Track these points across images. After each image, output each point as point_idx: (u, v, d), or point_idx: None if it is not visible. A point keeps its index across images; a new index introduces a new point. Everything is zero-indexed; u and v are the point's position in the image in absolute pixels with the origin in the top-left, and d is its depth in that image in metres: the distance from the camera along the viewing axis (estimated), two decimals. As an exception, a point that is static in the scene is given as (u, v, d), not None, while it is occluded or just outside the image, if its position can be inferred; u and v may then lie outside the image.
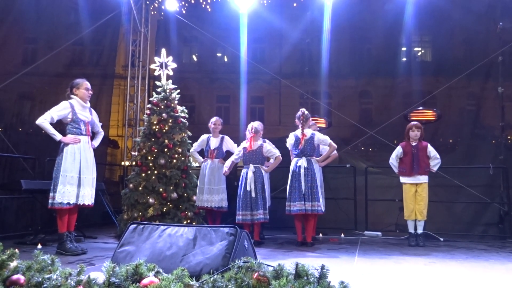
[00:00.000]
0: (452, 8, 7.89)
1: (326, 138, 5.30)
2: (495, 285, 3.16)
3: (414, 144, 5.46)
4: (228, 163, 5.52)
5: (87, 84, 4.63)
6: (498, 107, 6.88)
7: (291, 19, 8.98)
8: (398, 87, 9.04)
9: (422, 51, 11.25)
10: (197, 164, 6.13)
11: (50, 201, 4.31)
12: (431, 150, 5.43)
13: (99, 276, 2.19)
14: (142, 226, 2.79)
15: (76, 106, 4.51)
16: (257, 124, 5.52)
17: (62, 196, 4.26)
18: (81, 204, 4.39)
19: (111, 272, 2.15)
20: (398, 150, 5.56)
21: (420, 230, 5.40)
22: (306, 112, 5.34)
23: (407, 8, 7.91)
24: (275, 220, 5.88)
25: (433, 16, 8.24)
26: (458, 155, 7.42)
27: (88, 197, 4.44)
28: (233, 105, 11.52)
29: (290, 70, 10.30)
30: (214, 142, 5.95)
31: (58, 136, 4.37)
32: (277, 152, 5.36)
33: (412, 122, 5.58)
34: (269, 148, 5.38)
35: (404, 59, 9.56)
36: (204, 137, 6.03)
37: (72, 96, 4.56)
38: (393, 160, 5.55)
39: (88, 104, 4.67)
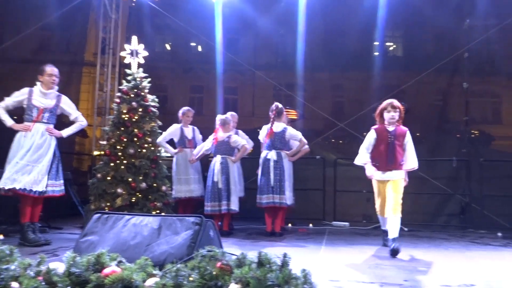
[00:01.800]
0: (423, 4, 8.04)
1: (297, 134, 5.35)
2: (454, 273, 3.30)
3: (391, 129, 4.17)
4: (196, 151, 5.54)
5: (53, 70, 4.49)
6: (463, 102, 7.11)
7: (265, 10, 8.95)
8: (370, 81, 9.18)
9: (394, 46, 11.44)
10: (168, 154, 6.08)
11: None
12: (409, 141, 4.17)
13: (60, 266, 2.16)
14: (106, 215, 2.76)
15: (36, 92, 4.41)
16: (229, 115, 5.53)
17: (5, 182, 4.14)
18: (29, 189, 4.21)
19: (71, 262, 2.12)
20: (371, 135, 4.21)
21: (394, 234, 3.98)
22: (280, 106, 5.39)
23: (381, 2, 8.01)
24: (245, 211, 5.91)
25: (405, 11, 8.38)
26: (424, 148, 7.62)
27: (38, 185, 4.24)
28: (206, 95, 11.43)
29: (264, 61, 10.30)
30: (188, 132, 5.92)
31: (8, 122, 4.32)
32: (242, 142, 5.34)
33: (388, 100, 4.23)
34: (235, 138, 5.37)
35: (377, 53, 9.71)
36: (176, 126, 5.97)
37: (37, 82, 4.47)
38: (364, 149, 4.24)
39: (52, 91, 4.52)
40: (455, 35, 7.72)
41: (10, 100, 4.35)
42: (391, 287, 2.82)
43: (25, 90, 4.41)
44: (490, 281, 2.99)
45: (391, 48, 11.27)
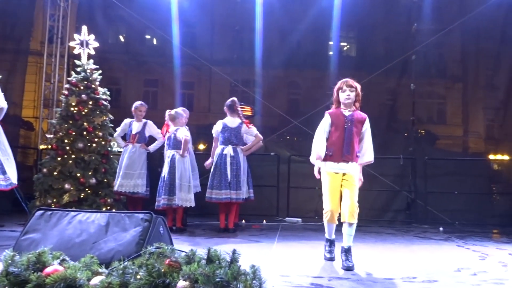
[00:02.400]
0: (375, 7, 8.31)
1: (252, 129, 5.36)
2: (399, 266, 3.45)
3: (348, 113, 3.53)
4: (153, 146, 5.72)
5: None
6: (411, 102, 7.44)
7: (223, 5, 8.90)
8: (325, 79, 9.36)
9: (348, 46, 11.73)
10: (119, 149, 5.92)
11: None
12: (367, 129, 3.58)
13: (-3, 266, 2.05)
14: (50, 212, 2.64)
15: None
16: (180, 110, 5.44)
17: None
18: None
19: (10, 261, 2.02)
20: (325, 121, 3.59)
21: (349, 242, 3.45)
22: (234, 99, 5.38)
23: (336, 3, 8.18)
24: (199, 207, 5.86)
25: (358, 13, 8.62)
26: (374, 145, 7.93)
27: None
28: (161, 89, 11.20)
29: (221, 57, 10.22)
30: (136, 127, 5.75)
31: None
32: (183, 135, 5.16)
33: (343, 80, 3.60)
34: (178, 133, 5.25)
35: (331, 52, 9.92)
36: (126, 121, 5.82)
37: None
38: (321, 138, 3.58)
39: None
40: (404, 38, 8.05)
41: None
42: (339, 281, 2.90)
43: None
44: (430, 273, 3.15)
45: (345, 48, 11.55)
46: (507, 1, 7.30)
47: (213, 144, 5.44)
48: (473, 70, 9.19)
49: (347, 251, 3.42)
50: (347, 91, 3.50)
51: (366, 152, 3.58)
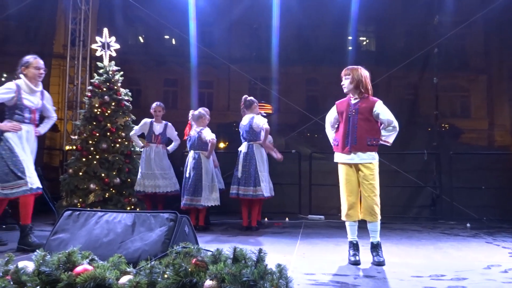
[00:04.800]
0: (394, 0, 8.17)
1: (260, 121, 5.18)
2: (425, 264, 3.38)
3: (354, 101, 3.43)
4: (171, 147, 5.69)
5: (39, 63, 4.04)
6: (433, 96, 7.29)
7: (239, 3, 8.89)
8: (344, 75, 9.26)
9: (367, 40, 11.56)
10: (137, 149, 5.98)
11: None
12: (381, 111, 3.36)
13: (29, 265, 2.10)
14: (78, 212, 2.69)
15: (23, 88, 3.96)
16: (202, 110, 5.47)
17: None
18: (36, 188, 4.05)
19: (41, 261, 2.06)
20: (332, 111, 3.57)
21: (376, 237, 3.41)
22: (249, 98, 5.39)
23: (353, -5, 8.08)
24: (222, 205, 5.89)
25: (377, 7, 8.49)
26: (395, 141, 7.81)
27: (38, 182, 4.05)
28: (181, 89, 11.28)
29: (239, 55, 10.22)
30: (158, 128, 5.83)
31: None
32: (209, 136, 5.19)
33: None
34: (204, 134, 5.26)
35: (350, 47, 9.80)
36: (146, 121, 5.88)
37: (21, 76, 4.00)
38: (328, 128, 3.62)
39: (40, 87, 4.10)
40: (425, 31, 7.88)
41: None
42: (364, 279, 2.87)
43: (12, 85, 3.93)
44: (459, 271, 3.09)
45: (364, 43, 11.40)
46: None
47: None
48: (497, 61, 8.92)
49: (375, 246, 3.39)
50: (343, 80, 3.45)
51: (386, 134, 3.40)
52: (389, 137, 3.42)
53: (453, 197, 6.69)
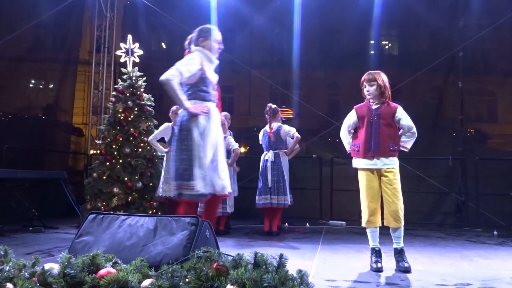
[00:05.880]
0: (418, 3, 8.06)
1: (291, 129, 5.34)
2: (451, 272, 3.30)
3: (375, 106, 3.41)
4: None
5: (219, 35, 3.49)
6: (458, 100, 7.14)
7: (261, 8, 8.94)
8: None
9: (390, 44, 11.44)
10: (159, 153, 6.04)
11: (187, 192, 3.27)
12: (402, 117, 3.36)
13: (54, 267, 2.15)
14: (102, 216, 2.74)
15: (205, 60, 3.39)
16: (222, 116, 5.51)
17: (204, 187, 3.26)
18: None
19: (66, 263, 2.10)
20: (351, 116, 3.50)
21: (400, 243, 3.36)
22: (274, 106, 5.42)
23: (376, 1, 8.01)
24: (242, 210, 5.91)
25: (400, 10, 8.40)
26: (419, 146, 7.67)
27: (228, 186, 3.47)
28: (202, 94, 11.40)
29: (260, 60, 10.28)
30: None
31: (186, 103, 3.24)
32: (235, 145, 5.30)
33: (367, 72, 3.47)
34: (230, 140, 5.32)
35: (372, 52, 9.70)
36: (167, 125, 5.91)
37: (196, 48, 3.44)
38: (344, 132, 3.55)
39: (217, 61, 3.54)
40: (450, 34, 7.75)
41: (185, 70, 3.23)
42: (387, 286, 2.82)
43: (195, 56, 3.35)
44: (486, 280, 3.00)
45: (386, 47, 11.27)
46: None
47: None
48: (524, 64, 8.69)
49: (400, 252, 3.33)
50: (366, 87, 3.39)
51: (406, 139, 3.40)
52: (407, 142, 3.43)
53: (479, 204, 6.51)
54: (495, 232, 5.73)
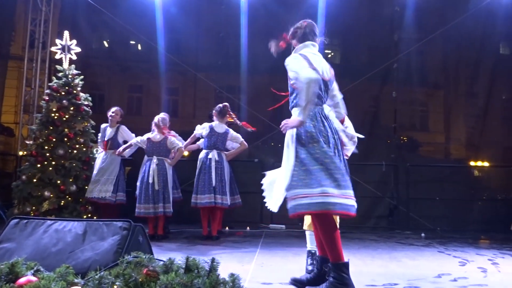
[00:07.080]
0: (359, 15, 8.42)
1: (239, 136, 5.39)
2: (380, 273, 3.46)
3: None
4: (123, 147, 5.41)
5: None
6: (393, 109, 7.54)
7: (207, 11, 8.91)
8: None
9: (332, 53, 11.83)
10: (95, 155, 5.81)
11: None
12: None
13: (-33, 277, 1.99)
14: (26, 220, 2.58)
15: None
16: (164, 116, 5.42)
17: None
18: None
19: (-19, 272, 1.96)
20: None
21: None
22: (223, 105, 5.40)
23: (320, 10, 8.24)
24: (182, 214, 5.82)
25: (343, 21, 8.71)
26: (357, 152, 8.01)
27: None
28: (146, 95, 11.12)
29: (206, 63, 10.20)
30: (109, 132, 5.62)
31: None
32: (179, 144, 5.29)
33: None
34: (173, 139, 5.25)
35: (316, 59, 9.96)
36: (103, 126, 5.71)
37: None
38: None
39: None
40: (386, 46, 8.16)
41: None
42: (320, 288, 2.89)
43: None
44: (412, 279, 3.17)
45: (329, 56, 11.64)
46: (485, 13, 7.47)
47: (189, 140, 5.44)
48: (454, 78, 9.38)
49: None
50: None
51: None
52: (348, 150, 3.31)
53: (409, 208, 6.90)
54: (423, 234, 6.10)
